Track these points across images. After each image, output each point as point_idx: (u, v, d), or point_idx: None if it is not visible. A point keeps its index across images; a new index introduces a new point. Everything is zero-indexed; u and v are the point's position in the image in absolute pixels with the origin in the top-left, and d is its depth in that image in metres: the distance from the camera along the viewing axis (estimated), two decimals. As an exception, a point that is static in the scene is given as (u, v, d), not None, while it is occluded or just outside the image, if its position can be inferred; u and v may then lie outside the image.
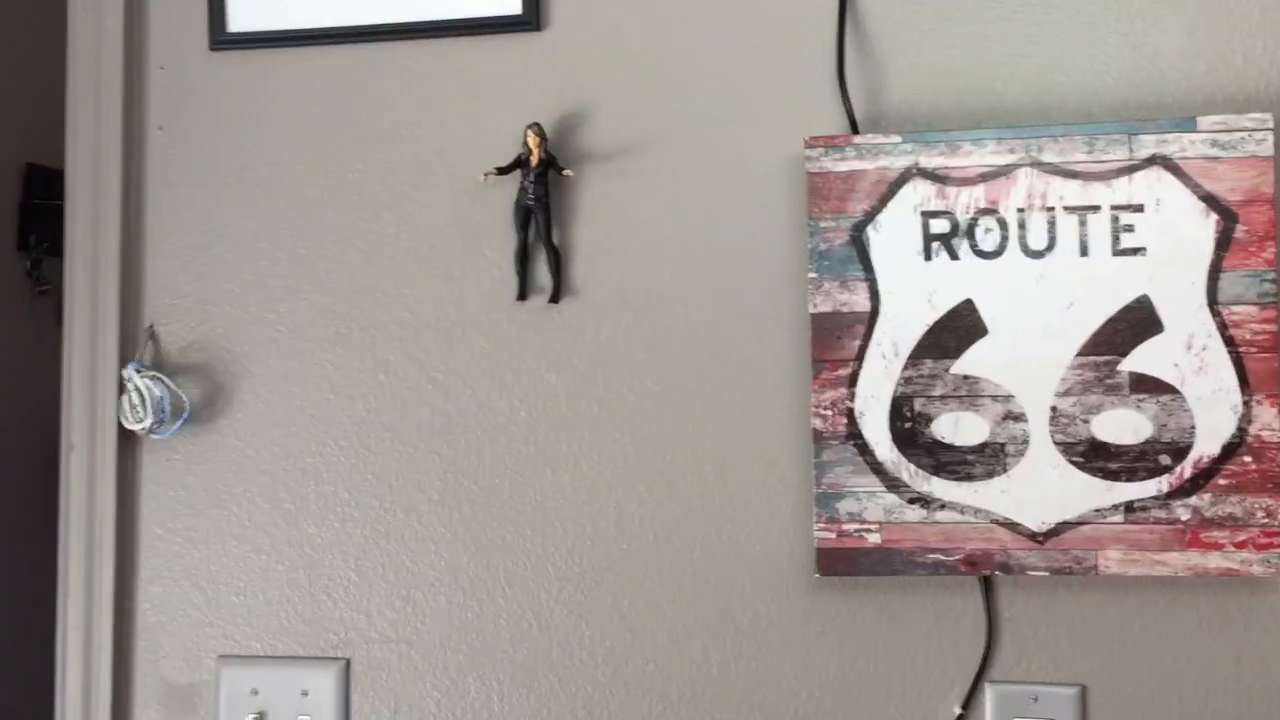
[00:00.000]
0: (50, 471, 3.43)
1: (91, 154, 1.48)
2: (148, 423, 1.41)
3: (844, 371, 1.27)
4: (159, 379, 1.42)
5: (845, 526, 1.27)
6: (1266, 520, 1.21)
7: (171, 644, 1.43)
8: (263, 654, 1.41)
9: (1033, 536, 1.24)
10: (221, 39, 1.46)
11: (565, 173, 1.36)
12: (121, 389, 1.44)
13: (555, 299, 1.37)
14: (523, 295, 1.38)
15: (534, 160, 1.36)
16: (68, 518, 1.46)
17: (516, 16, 1.39)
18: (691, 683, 1.33)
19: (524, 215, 1.37)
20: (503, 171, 1.37)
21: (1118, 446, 1.23)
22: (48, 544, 3.29)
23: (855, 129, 1.31)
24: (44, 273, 3.42)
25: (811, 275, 1.29)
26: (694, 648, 1.33)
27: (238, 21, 1.45)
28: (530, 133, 1.35)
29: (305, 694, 1.38)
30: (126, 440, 1.45)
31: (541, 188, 1.36)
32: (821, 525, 1.27)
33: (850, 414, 1.27)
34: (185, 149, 1.47)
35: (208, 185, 1.46)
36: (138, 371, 1.42)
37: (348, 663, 1.39)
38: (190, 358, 1.46)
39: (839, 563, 1.27)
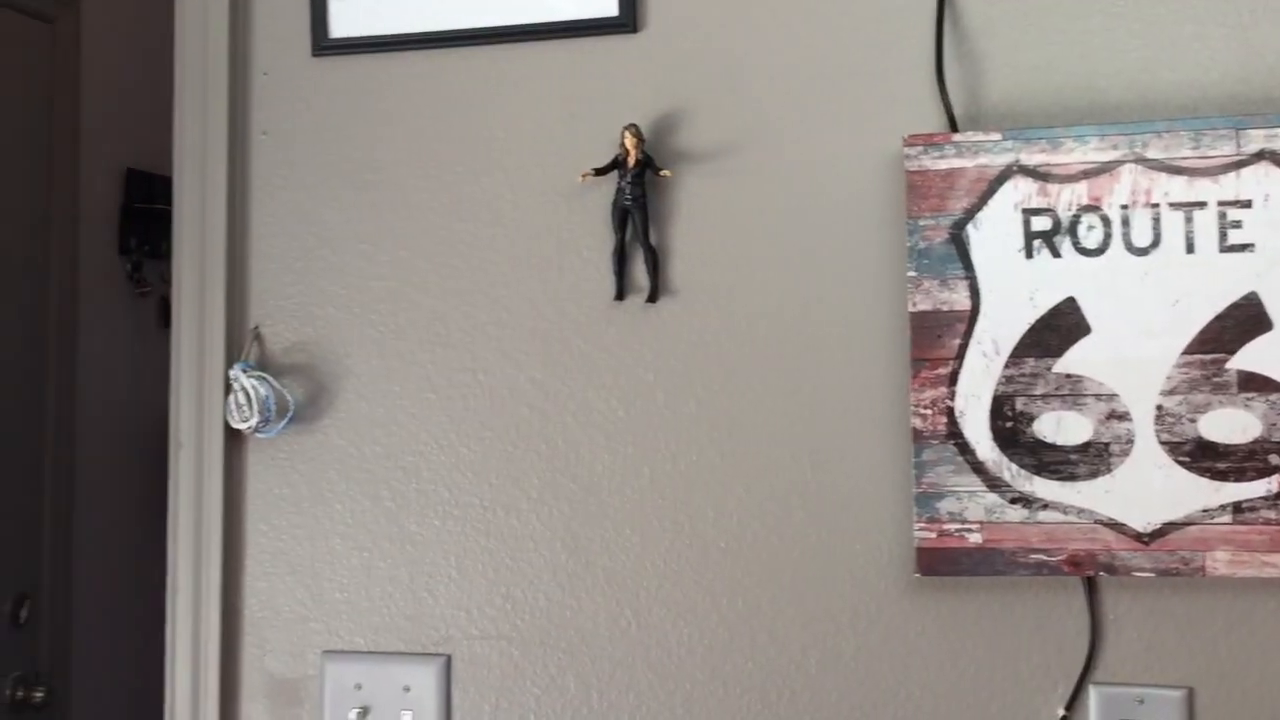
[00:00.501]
0: (152, 467, 3.51)
1: (198, 159, 1.51)
2: (254, 422, 1.44)
3: (944, 370, 1.27)
4: (264, 379, 1.45)
5: (946, 526, 1.26)
6: (1380, 521, 1.18)
7: (277, 639, 1.46)
8: (366, 649, 1.43)
9: (1138, 537, 1.22)
10: (324, 45, 1.48)
11: (662, 173, 1.37)
12: (228, 389, 1.47)
13: (653, 299, 1.38)
14: (620, 295, 1.39)
15: (631, 161, 1.37)
16: (176, 515, 1.49)
17: (613, 18, 1.40)
18: (790, 682, 1.33)
19: (621, 216, 1.38)
20: (600, 172, 1.38)
21: (1226, 446, 1.21)
22: (155, 541, 3.36)
23: (954, 127, 1.31)
24: (144, 275, 3.49)
25: (910, 274, 1.28)
26: (793, 647, 1.33)
27: (339, 27, 1.48)
28: (627, 134, 1.36)
29: (407, 689, 1.40)
30: (233, 439, 1.48)
31: (639, 188, 1.37)
32: (922, 525, 1.27)
33: (950, 413, 1.26)
34: (288, 153, 1.50)
35: (310, 189, 1.49)
36: (244, 372, 1.45)
37: (448, 659, 1.41)
38: (294, 358, 1.48)
39: (939, 563, 1.26)
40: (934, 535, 1.26)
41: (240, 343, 1.49)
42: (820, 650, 1.33)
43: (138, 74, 3.44)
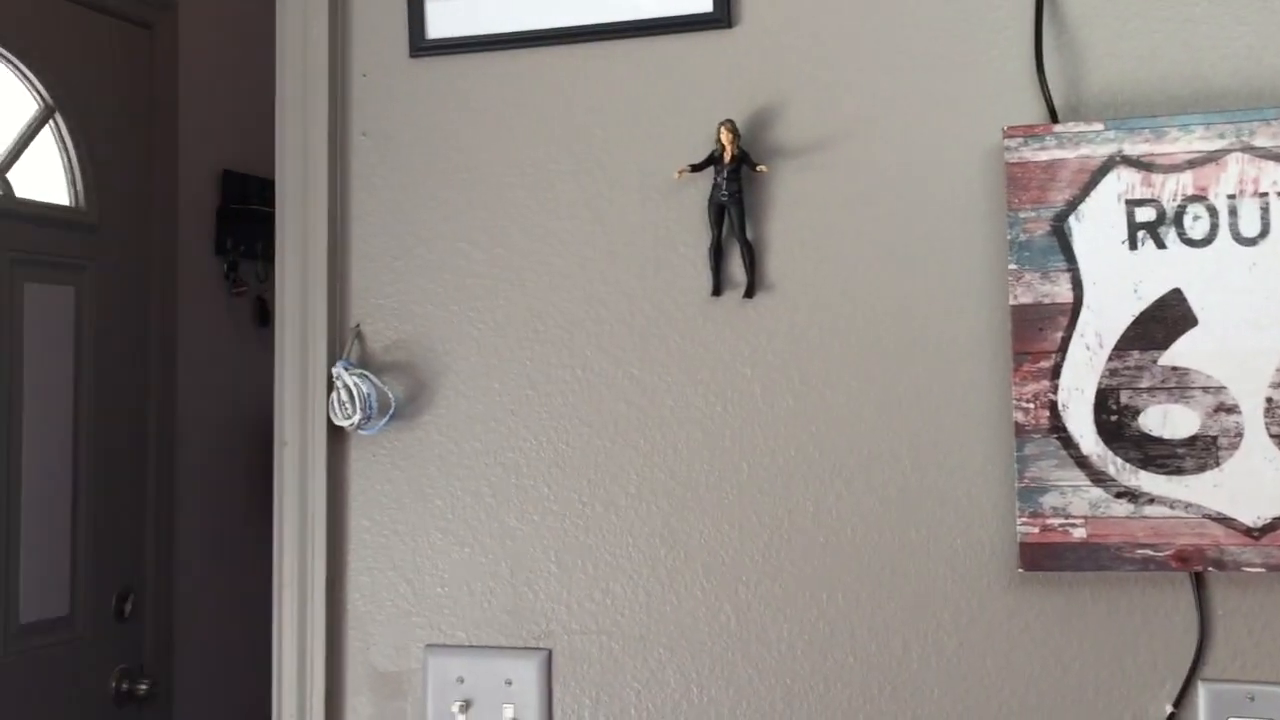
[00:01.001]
0: (249, 464, 3.57)
1: (299, 160, 1.54)
2: (356, 419, 1.46)
3: (1046, 364, 1.26)
4: (366, 376, 1.47)
5: (1049, 521, 1.25)
6: None
7: (380, 633, 1.48)
8: (467, 644, 1.45)
9: (1248, 532, 1.20)
10: (421, 46, 1.50)
11: (759, 168, 1.37)
12: (330, 387, 1.49)
13: (750, 294, 1.38)
14: (717, 291, 1.39)
15: (727, 156, 1.37)
16: (281, 512, 1.52)
17: (708, 14, 1.41)
18: (892, 677, 1.33)
19: (718, 211, 1.38)
20: (696, 168, 1.38)
21: (1339, 439, 1.18)
22: (252, 535, 3.42)
23: (1055, 118, 1.29)
24: (240, 275, 3.56)
25: (1011, 267, 1.27)
26: (894, 642, 1.33)
27: (436, 28, 1.49)
28: (723, 129, 1.36)
29: (509, 683, 1.42)
30: (335, 436, 1.51)
31: (735, 184, 1.37)
32: (1024, 520, 1.25)
33: (1053, 407, 1.25)
34: (387, 153, 1.52)
35: (409, 188, 1.51)
36: (346, 369, 1.47)
37: (549, 653, 1.42)
38: (394, 356, 1.50)
39: (1043, 558, 1.25)
40: (1037, 530, 1.25)
41: (342, 341, 1.51)
42: (922, 646, 1.32)
43: (232, 78, 3.50)
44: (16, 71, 2.82)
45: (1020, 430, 1.26)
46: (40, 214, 2.86)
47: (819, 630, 1.35)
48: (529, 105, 1.47)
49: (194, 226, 3.39)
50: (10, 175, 2.79)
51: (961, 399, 1.32)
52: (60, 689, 2.84)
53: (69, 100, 2.91)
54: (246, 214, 3.56)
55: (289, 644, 1.49)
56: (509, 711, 1.42)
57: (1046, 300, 1.26)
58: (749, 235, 1.38)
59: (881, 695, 1.33)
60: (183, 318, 3.29)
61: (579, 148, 1.45)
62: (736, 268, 1.39)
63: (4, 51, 2.77)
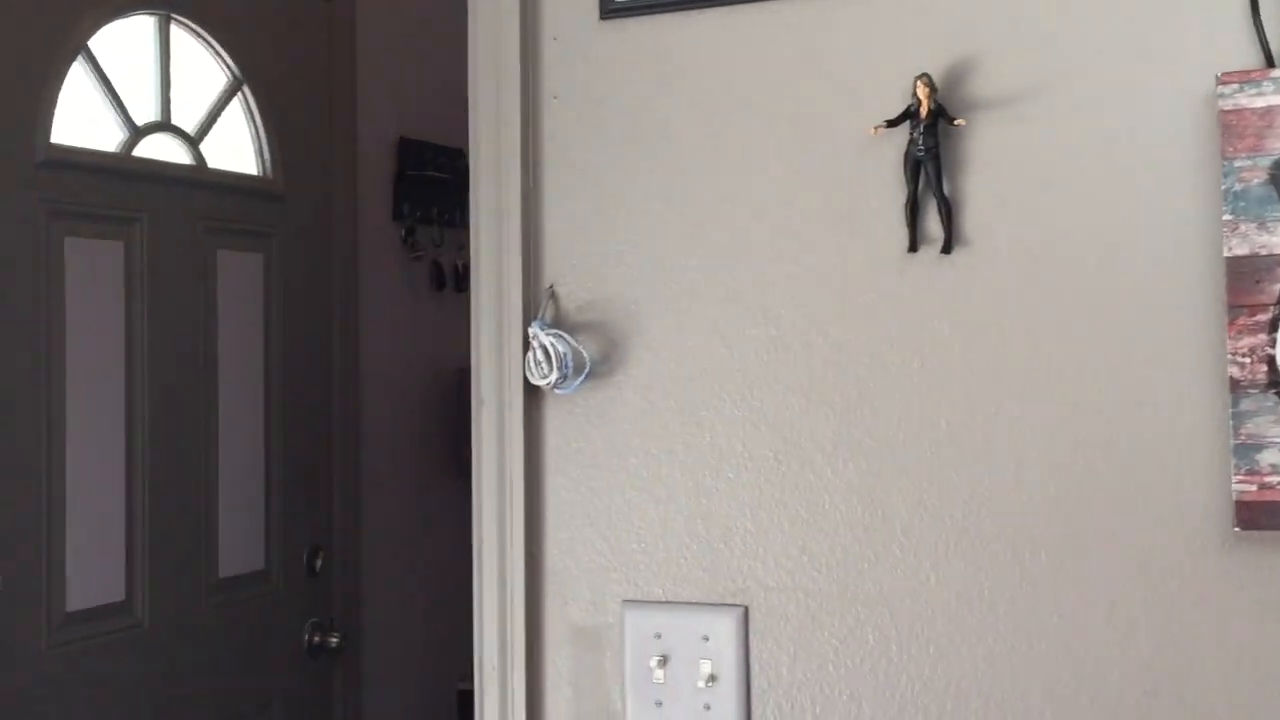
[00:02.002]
0: (428, 423, 3.65)
1: (492, 125, 1.56)
2: (553, 378, 1.49)
3: (1263, 317, 1.22)
4: (561, 336, 1.49)
5: (1267, 479, 1.21)
6: None
7: (578, 588, 1.51)
8: (664, 599, 1.47)
9: None
10: (612, 7, 1.51)
11: (956, 122, 1.35)
12: (526, 347, 1.51)
13: (947, 249, 1.37)
14: (913, 247, 1.38)
15: (923, 111, 1.35)
16: (479, 470, 1.55)
17: (903, -34, 1.38)
18: (1099, 637, 1.30)
19: (914, 167, 1.37)
20: (892, 124, 1.37)
21: None
22: (433, 491, 3.50)
23: (1271, 62, 1.25)
24: (417, 239, 3.64)
25: (1226, 217, 1.23)
26: (1100, 602, 1.30)
27: (627, -11, 1.50)
28: (919, 83, 1.34)
29: (706, 639, 1.43)
30: (531, 396, 1.53)
31: (931, 138, 1.35)
32: (1240, 478, 1.22)
33: (1271, 361, 1.21)
34: (578, 116, 1.53)
35: (601, 150, 1.52)
36: (541, 329, 1.50)
37: (746, 609, 1.43)
38: (587, 316, 1.52)
39: (1261, 516, 1.22)
40: (1254, 488, 1.22)
41: (536, 302, 1.54)
42: (1129, 607, 1.29)
43: (408, 47, 3.57)
44: (207, 46, 2.92)
45: (1235, 385, 1.22)
46: (230, 184, 2.96)
47: (1021, 590, 1.33)
48: (720, 64, 1.47)
49: (373, 193, 3.47)
50: (202, 146, 2.89)
51: (1171, 354, 1.28)
52: (258, 640, 2.96)
53: (255, 73, 3.00)
54: (423, 180, 3.63)
55: (489, 599, 1.53)
56: (706, 667, 1.43)
57: (1264, 251, 1.22)
58: (946, 190, 1.36)
59: (1087, 656, 1.31)
60: (363, 282, 3.38)
61: (772, 106, 1.44)
62: (933, 223, 1.37)
63: (196, 26, 2.87)
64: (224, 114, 2.96)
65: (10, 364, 2.39)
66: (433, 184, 3.67)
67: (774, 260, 1.44)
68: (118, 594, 2.61)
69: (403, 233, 3.60)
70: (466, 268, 3.73)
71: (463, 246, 3.75)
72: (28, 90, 2.44)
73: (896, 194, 1.38)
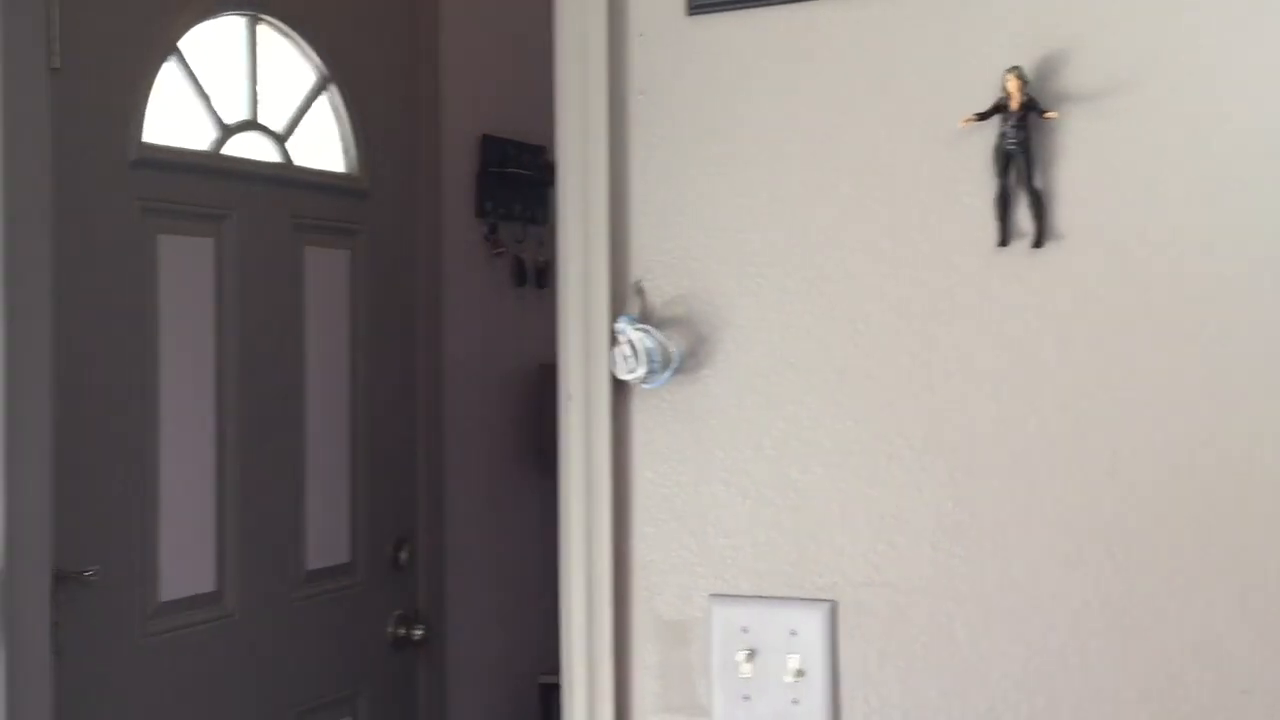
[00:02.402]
0: (510, 418, 3.67)
1: (579, 120, 1.57)
2: (640, 373, 1.49)
3: (1366, 311, 1.19)
4: (648, 331, 1.50)
5: (1370, 476, 1.19)
6: None
7: (665, 582, 1.51)
8: (751, 594, 1.47)
9: None
10: (698, 4, 1.51)
11: (1047, 115, 1.34)
12: (613, 341, 1.52)
13: (1038, 243, 1.35)
14: (1004, 241, 1.37)
15: (1014, 104, 1.34)
16: (568, 463, 1.56)
17: (993, -42, 1.37)
18: (1193, 636, 1.29)
19: (1004, 160, 1.36)
20: (982, 117, 1.36)
21: None
22: (516, 486, 3.53)
23: (1374, 50, 1.22)
24: (499, 236, 3.66)
25: (1327, 209, 1.21)
26: (1198, 600, 1.29)
27: (714, -15, 1.50)
28: (1010, 76, 1.33)
29: (794, 633, 1.43)
30: (618, 390, 1.54)
31: (1022, 131, 1.34)
32: (1342, 475, 1.20)
33: (1374, 356, 1.19)
34: (665, 111, 1.54)
35: (687, 145, 1.52)
36: (629, 324, 1.50)
37: (834, 605, 1.43)
38: (674, 311, 1.52)
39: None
40: (1356, 486, 1.19)
41: (622, 297, 1.54)
42: (1226, 604, 1.27)
43: (491, 45, 3.59)
44: (295, 45, 2.96)
45: (1336, 381, 1.20)
46: (317, 181, 2.99)
47: (1114, 587, 1.32)
48: (806, 59, 1.46)
49: (456, 190, 3.50)
50: (289, 144, 2.93)
51: (1269, 350, 1.26)
52: (343, 631, 3.00)
53: (342, 70, 3.03)
54: (505, 177, 3.66)
55: (578, 593, 1.54)
56: (794, 662, 1.43)
57: (1366, 244, 1.19)
58: (1037, 184, 1.35)
59: (1182, 654, 1.29)
60: (446, 278, 3.41)
61: (859, 100, 1.44)
62: (1023, 217, 1.36)
63: (284, 25, 2.91)
64: (310, 111, 3.00)
65: (106, 359, 2.43)
66: (515, 181, 3.69)
67: (862, 255, 1.43)
68: (209, 585, 2.66)
69: (485, 229, 3.62)
70: (547, 264, 3.76)
71: (543, 243, 3.78)
72: (121, 91, 2.49)
73: (986, 187, 1.37)
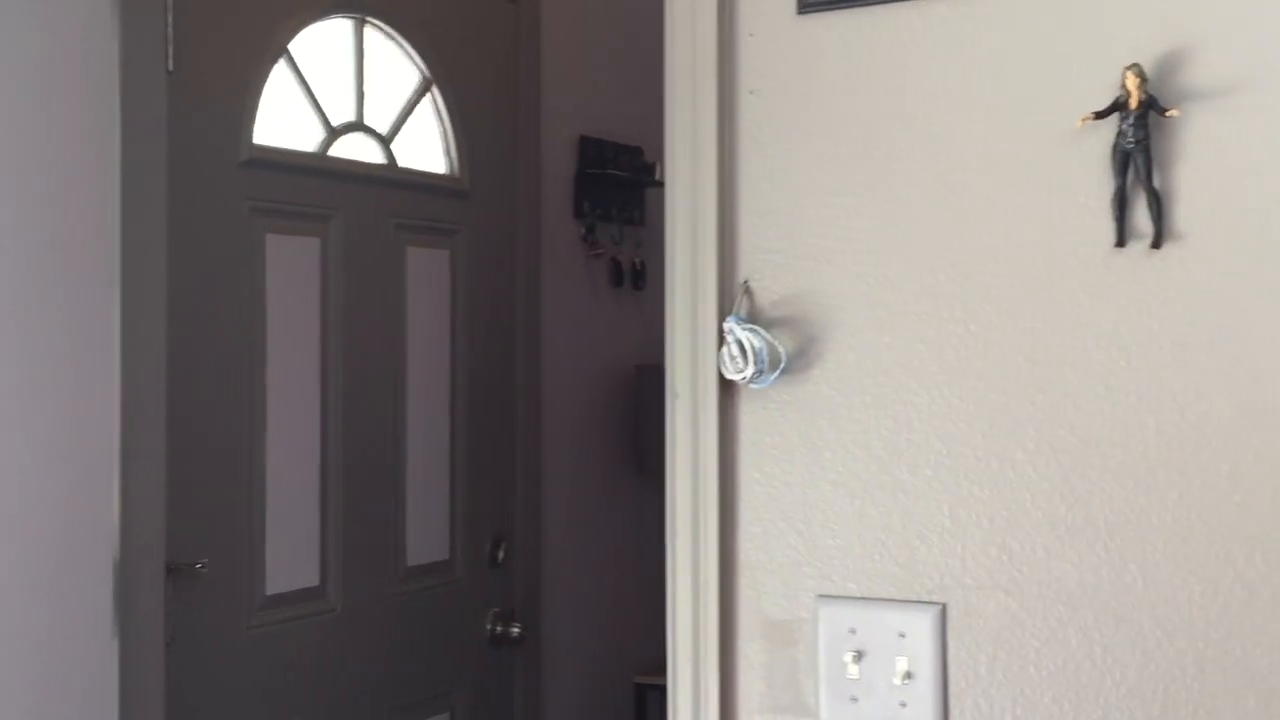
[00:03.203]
0: (606, 415, 3.69)
1: (688, 120, 1.57)
2: (748, 373, 1.49)
3: None
4: (756, 331, 1.50)
5: None
6: None
7: (771, 582, 1.51)
8: (859, 595, 1.46)
9: None
10: (808, 2, 1.51)
11: (1169, 113, 1.31)
12: (720, 341, 1.52)
13: (1157, 244, 1.33)
14: (1121, 242, 1.35)
15: (1133, 103, 1.32)
16: (673, 462, 1.57)
17: (1112, -46, 1.35)
18: (1317, 645, 1.26)
19: (1122, 159, 1.34)
20: (1100, 115, 1.34)
21: None
22: (613, 486, 3.55)
23: None
24: (597, 237, 3.68)
25: None
26: (1320, 609, 1.26)
27: (826, -17, 1.50)
28: (1129, 74, 1.31)
29: (902, 636, 1.42)
30: (725, 390, 1.54)
31: (1141, 130, 1.32)
32: None
33: None
34: (775, 111, 1.53)
35: (797, 145, 1.52)
36: (737, 324, 1.50)
37: (943, 607, 1.42)
38: (782, 311, 1.52)
39: None
40: None
41: (731, 297, 1.54)
42: (1351, 614, 1.25)
43: (590, 47, 3.61)
44: (399, 47, 3.00)
45: None
46: (420, 182, 3.03)
47: (1234, 594, 1.29)
48: (919, 57, 1.45)
49: (554, 191, 3.52)
50: (393, 145, 2.97)
51: (1399, 353, 1.23)
52: (441, 628, 3.03)
53: (444, 72, 3.07)
54: (603, 178, 3.67)
55: (682, 591, 1.54)
56: (902, 664, 1.42)
57: None
58: (1156, 183, 1.33)
59: (1305, 664, 1.26)
60: (545, 279, 3.43)
61: (972, 99, 1.42)
62: (1141, 218, 1.34)
63: (388, 28, 2.95)
64: (414, 113, 3.04)
65: (216, 357, 2.48)
66: (612, 182, 3.71)
67: (975, 255, 1.42)
68: (312, 579, 2.70)
69: (583, 230, 3.64)
70: (644, 265, 3.77)
71: (640, 244, 3.80)
72: (234, 93, 2.54)
73: (1104, 187, 1.35)
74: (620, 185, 3.72)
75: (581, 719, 3.49)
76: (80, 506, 2.06)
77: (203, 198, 2.46)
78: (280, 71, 2.67)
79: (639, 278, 3.76)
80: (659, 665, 1.66)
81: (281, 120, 2.68)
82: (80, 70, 2.08)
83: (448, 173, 3.13)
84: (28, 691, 1.95)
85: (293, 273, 2.66)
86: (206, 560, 2.40)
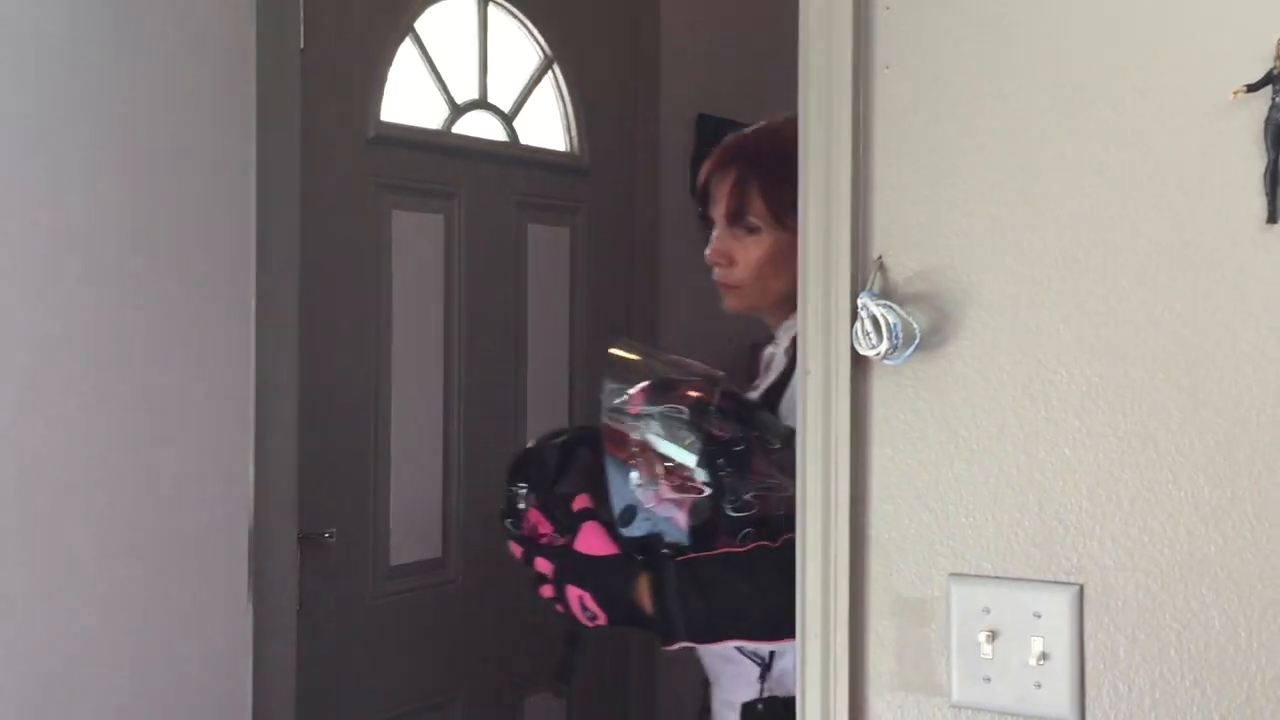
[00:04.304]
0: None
1: (823, 95, 1.56)
2: (882, 349, 1.48)
3: None
4: (891, 307, 1.49)
5: None
6: None
7: (903, 560, 1.50)
8: (993, 574, 1.45)
9: None
10: (948, -25, 1.49)
11: (1324, 85, 1.28)
12: (854, 317, 1.51)
13: (1310, 220, 1.30)
14: (1273, 218, 1.31)
15: (1287, 74, 1.29)
16: (804, 437, 1.56)
17: (1266, -77, 1.32)
18: None
19: (1274, 133, 1.30)
20: (1252, 88, 1.31)
21: None
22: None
23: None
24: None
25: None
26: None
27: (966, -44, 1.48)
28: (1283, 45, 1.28)
29: (1038, 616, 1.41)
30: (858, 366, 1.53)
31: (1295, 103, 1.29)
32: None
33: None
34: (911, 86, 1.52)
35: (934, 120, 1.50)
36: (872, 299, 1.49)
37: (1081, 588, 1.40)
38: (917, 287, 1.51)
39: None
40: None
41: (864, 273, 1.53)
42: None
43: (708, 24, 3.60)
44: (521, 25, 3.02)
45: None
46: (541, 159, 3.05)
47: (1388, 579, 1.26)
48: (1062, 29, 1.43)
49: (672, 169, 3.52)
50: (515, 123, 2.99)
51: None
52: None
53: (565, 50, 3.08)
54: (720, 156, 3.67)
55: (813, 565, 1.54)
56: (1038, 645, 1.41)
57: None
58: (1310, 158, 1.29)
59: None
60: (663, 257, 3.44)
61: (1120, 71, 1.40)
62: (1294, 193, 1.30)
63: (511, 6, 2.97)
64: (535, 91, 3.06)
65: (343, 332, 2.53)
66: (731, 160, 3.69)
67: (1118, 231, 1.39)
68: (435, 551, 2.74)
69: (700, 209, 3.64)
70: (762, 243, 3.75)
71: (758, 222, 3.78)
72: (362, 70, 2.58)
73: (1255, 162, 1.32)
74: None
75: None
76: (218, 475, 2.12)
77: (331, 174, 2.51)
78: (406, 50, 2.71)
79: (755, 257, 3.74)
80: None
81: (407, 98, 2.72)
82: (218, 51, 2.13)
83: (568, 150, 3.14)
84: (168, 651, 2.01)
85: (417, 249, 2.70)
86: (334, 530, 2.45)
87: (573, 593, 1.90)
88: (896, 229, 1.52)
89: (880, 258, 1.53)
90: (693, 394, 1.93)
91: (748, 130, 2.23)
